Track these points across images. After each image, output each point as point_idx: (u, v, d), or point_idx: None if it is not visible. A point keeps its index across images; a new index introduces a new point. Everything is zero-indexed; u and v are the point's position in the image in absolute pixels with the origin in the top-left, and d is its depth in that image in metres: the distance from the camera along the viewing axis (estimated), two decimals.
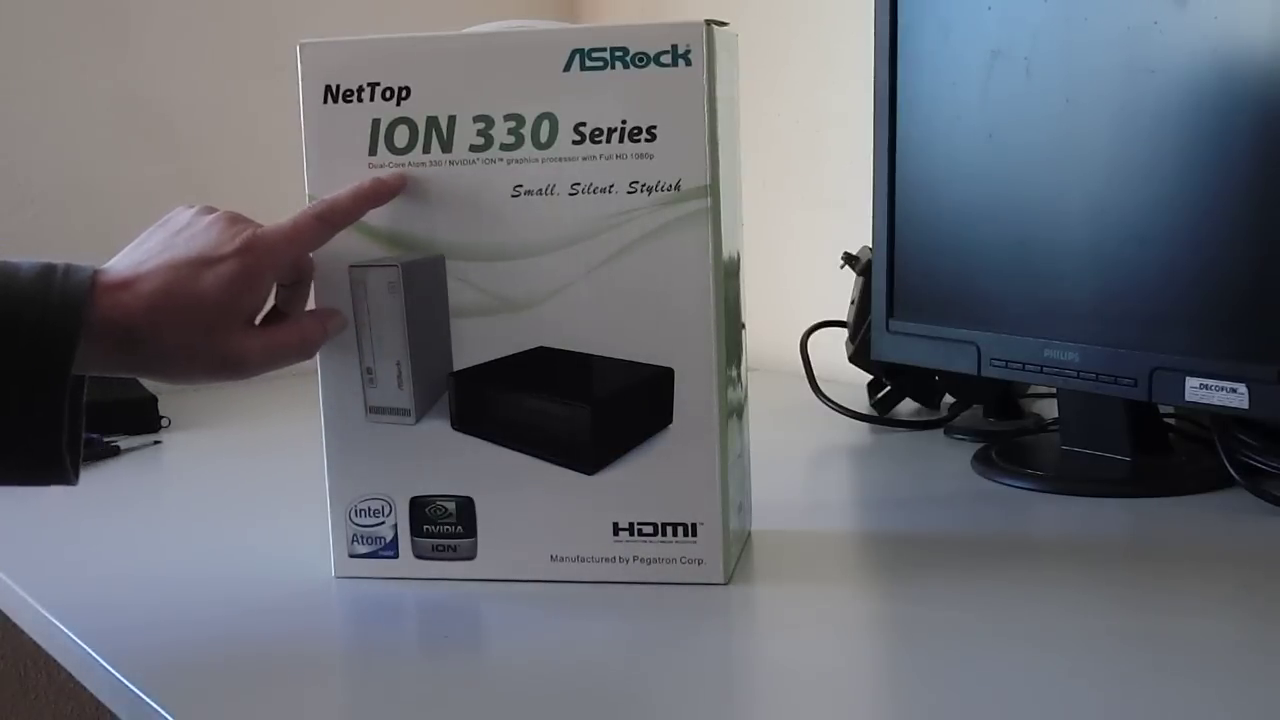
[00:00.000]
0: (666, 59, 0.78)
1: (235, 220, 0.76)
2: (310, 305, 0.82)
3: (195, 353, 0.73)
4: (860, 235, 1.21)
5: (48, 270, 0.71)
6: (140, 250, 0.75)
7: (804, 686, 0.68)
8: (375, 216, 0.81)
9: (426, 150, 0.81)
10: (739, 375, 0.86)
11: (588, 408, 0.81)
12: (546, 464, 0.82)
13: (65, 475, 0.73)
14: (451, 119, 0.81)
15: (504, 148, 0.80)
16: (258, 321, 0.77)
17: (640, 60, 0.79)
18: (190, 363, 0.74)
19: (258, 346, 0.75)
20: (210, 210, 0.78)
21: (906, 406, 1.31)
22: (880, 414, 1.28)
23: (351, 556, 0.85)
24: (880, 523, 1.00)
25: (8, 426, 0.70)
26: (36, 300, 0.69)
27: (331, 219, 0.79)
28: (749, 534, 0.90)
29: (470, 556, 0.84)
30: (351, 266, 0.82)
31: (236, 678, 0.72)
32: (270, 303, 0.79)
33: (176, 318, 0.72)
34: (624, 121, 0.79)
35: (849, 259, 1.28)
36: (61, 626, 0.80)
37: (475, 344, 0.82)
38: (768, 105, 1.57)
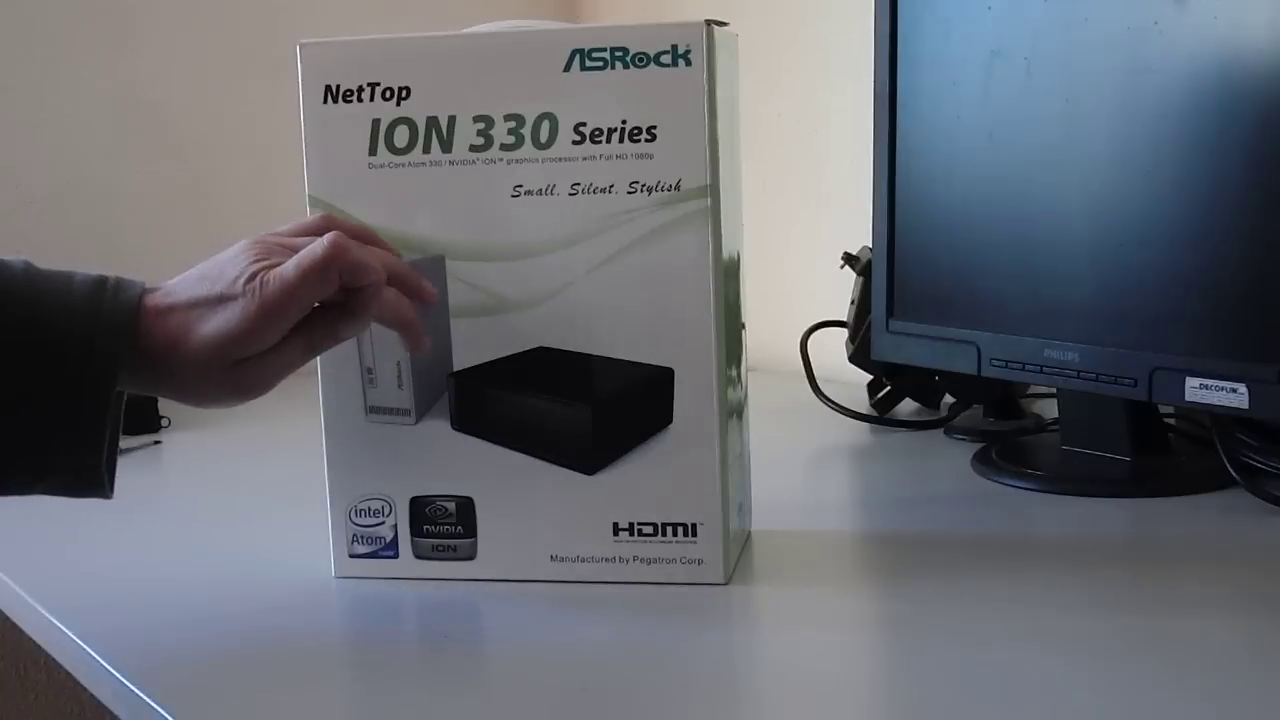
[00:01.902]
0: (666, 59, 0.78)
1: (257, 259, 0.72)
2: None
3: (209, 385, 0.73)
4: (860, 235, 1.21)
5: (99, 286, 0.71)
6: (186, 275, 0.74)
7: (804, 686, 0.68)
8: (375, 217, 0.81)
9: (426, 150, 0.81)
10: (739, 375, 0.86)
11: (588, 408, 0.81)
12: (546, 464, 0.82)
13: (103, 490, 0.74)
14: (451, 119, 0.81)
15: (504, 148, 0.80)
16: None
17: (640, 60, 0.79)
18: (204, 393, 0.74)
19: (267, 368, 0.74)
20: (254, 243, 0.74)
21: (906, 406, 1.31)
22: (880, 414, 1.28)
23: (351, 556, 0.85)
24: (880, 523, 1.00)
25: (52, 444, 0.71)
26: (87, 319, 0.70)
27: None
28: (749, 534, 0.90)
29: (470, 556, 0.84)
30: None
31: (236, 678, 0.72)
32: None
33: (189, 354, 0.71)
34: (624, 121, 0.79)
35: (849, 259, 1.28)
36: (61, 626, 0.80)
37: (475, 344, 0.82)
38: (768, 105, 1.57)
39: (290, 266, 0.72)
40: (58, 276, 0.72)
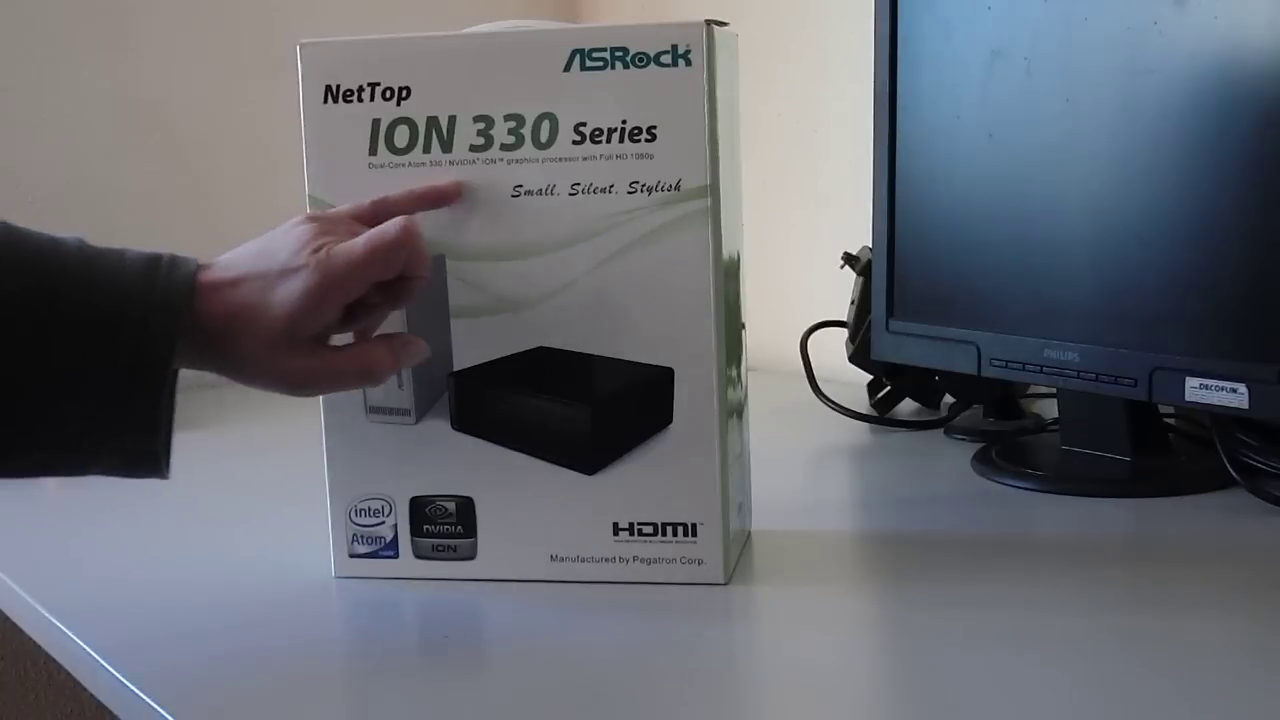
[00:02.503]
0: (666, 59, 0.78)
1: (322, 232, 0.73)
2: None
3: (260, 366, 0.73)
4: (860, 235, 1.21)
5: (153, 264, 0.71)
6: (240, 251, 0.74)
7: (803, 686, 0.68)
8: None
9: (426, 150, 0.81)
10: (739, 375, 0.86)
11: (588, 408, 0.81)
12: (546, 464, 0.82)
13: (159, 469, 0.73)
14: (451, 119, 0.81)
15: (504, 148, 0.80)
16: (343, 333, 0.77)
17: (640, 60, 0.79)
18: (256, 374, 0.73)
19: (318, 368, 0.74)
20: (310, 219, 0.75)
21: (906, 406, 1.31)
22: (880, 414, 1.28)
23: (351, 556, 0.85)
24: (880, 523, 1.00)
25: (107, 424, 0.70)
26: (141, 298, 0.69)
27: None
28: (749, 534, 0.90)
29: (470, 556, 0.84)
30: None
31: (236, 678, 0.71)
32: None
33: (248, 329, 0.71)
34: (624, 121, 0.79)
35: (849, 259, 1.28)
36: (61, 626, 0.80)
37: (475, 344, 0.82)
38: (768, 105, 1.57)
39: (360, 242, 0.73)
40: (111, 255, 0.71)
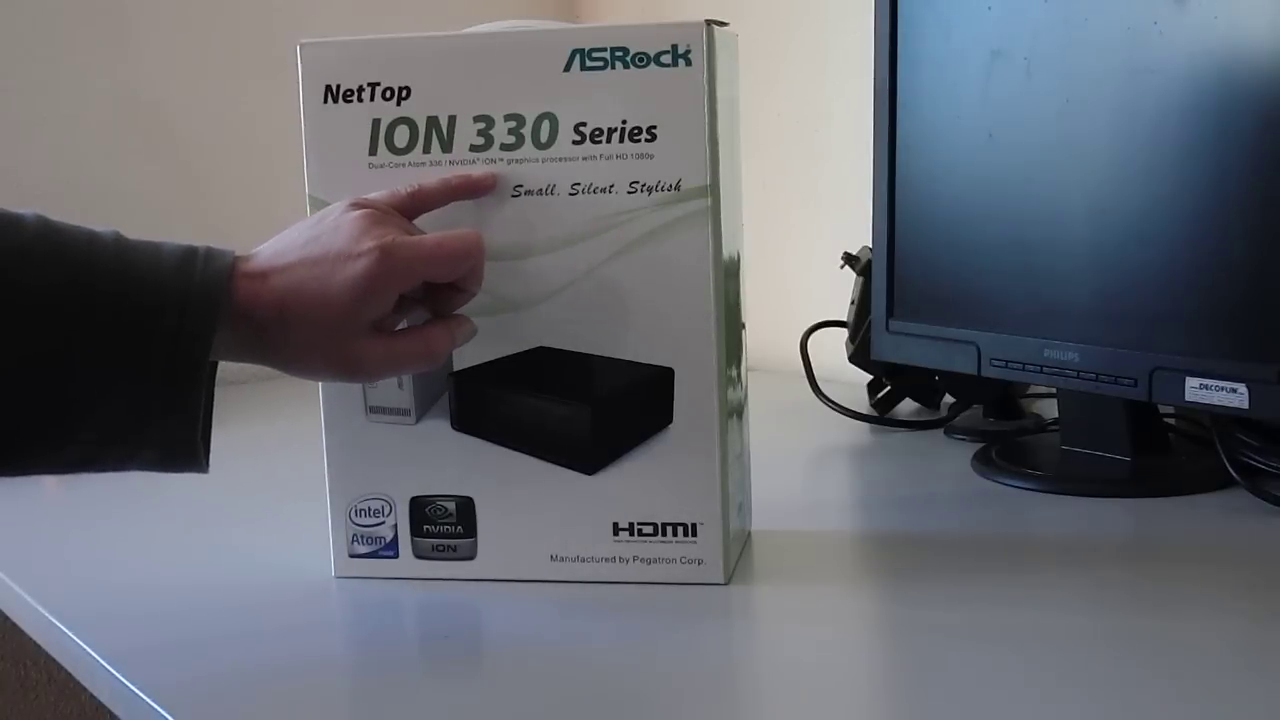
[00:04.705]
0: (666, 59, 0.78)
1: (378, 221, 0.73)
2: None
3: (317, 352, 0.72)
4: (860, 235, 1.21)
5: (189, 257, 0.70)
6: (284, 240, 0.74)
7: (803, 686, 0.68)
8: None
9: (426, 150, 0.81)
10: (739, 375, 0.86)
11: (588, 408, 0.81)
12: (546, 464, 0.82)
13: (198, 463, 0.73)
14: (451, 119, 0.81)
15: (504, 148, 0.80)
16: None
17: (640, 60, 0.79)
18: (311, 361, 0.73)
19: (380, 352, 0.74)
20: (359, 206, 0.75)
21: (906, 406, 1.31)
22: (880, 414, 1.28)
23: (351, 556, 0.85)
24: (880, 523, 1.00)
25: (145, 419, 0.69)
26: (176, 291, 0.69)
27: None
28: (749, 534, 0.90)
29: (470, 556, 0.84)
30: None
31: (236, 678, 0.72)
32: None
33: (303, 316, 0.71)
34: (624, 121, 0.79)
35: (849, 259, 1.28)
36: (61, 626, 0.80)
37: (475, 344, 0.82)
38: (768, 105, 1.57)
39: (431, 239, 0.74)
40: (147, 248, 0.71)
